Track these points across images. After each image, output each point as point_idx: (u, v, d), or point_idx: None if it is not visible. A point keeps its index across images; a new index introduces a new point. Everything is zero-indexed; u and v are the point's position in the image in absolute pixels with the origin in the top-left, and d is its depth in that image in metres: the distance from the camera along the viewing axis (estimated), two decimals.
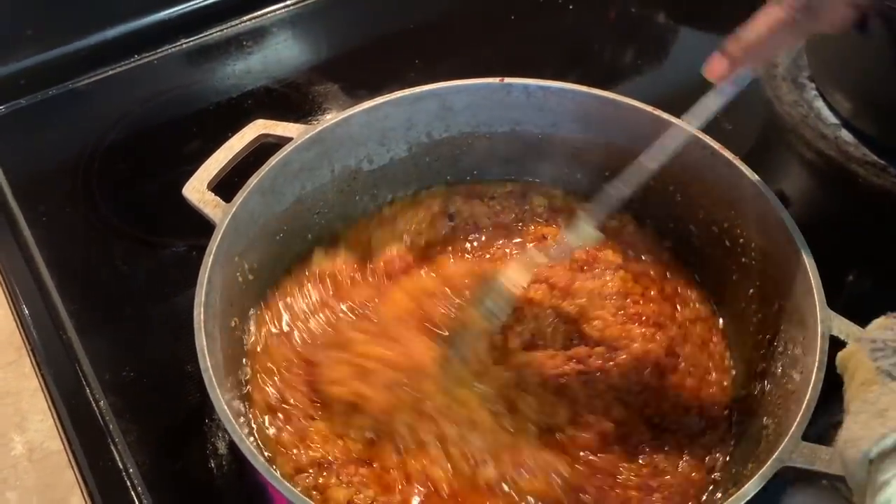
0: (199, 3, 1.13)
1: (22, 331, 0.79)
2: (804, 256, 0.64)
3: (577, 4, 1.16)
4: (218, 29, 1.12)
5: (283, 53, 1.11)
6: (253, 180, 0.71)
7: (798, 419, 0.55)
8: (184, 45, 1.10)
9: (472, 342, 0.68)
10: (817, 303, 0.61)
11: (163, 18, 1.12)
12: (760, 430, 0.63)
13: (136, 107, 1.03)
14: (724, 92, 0.62)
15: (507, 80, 0.78)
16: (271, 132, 0.76)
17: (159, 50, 1.09)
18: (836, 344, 0.59)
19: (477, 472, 0.63)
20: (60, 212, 0.91)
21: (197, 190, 0.72)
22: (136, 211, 0.92)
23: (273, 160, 0.72)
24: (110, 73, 1.07)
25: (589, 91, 0.77)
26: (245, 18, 1.14)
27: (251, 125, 0.77)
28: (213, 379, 0.59)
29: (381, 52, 1.11)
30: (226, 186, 0.73)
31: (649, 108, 0.75)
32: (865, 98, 0.94)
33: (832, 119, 0.97)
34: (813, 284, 0.62)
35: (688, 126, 0.65)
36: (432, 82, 0.79)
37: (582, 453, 0.65)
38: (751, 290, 0.71)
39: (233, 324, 0.69)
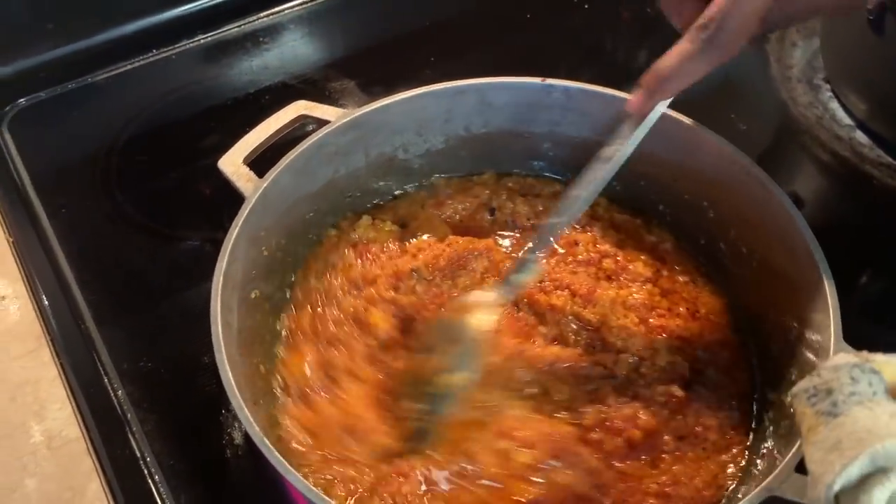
0: None
1: (41, 320, 0.80)
2: (826, 285, 0.62)
3: (592, 4, 1.16)
4: (235, 25, 1.13)
5: (299, 50, 1.12)
6: (286, 158, 0.72)
7: (794, 450, 0.55)
8: (201, 41, 1.11)
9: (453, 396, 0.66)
10: (832, 335, 0.60)
11: (181, 14, 1.13)
12: (766, 456, 0.63)
13: (155, 101, 1.04)
14: (645, 123, 0.64)
15: (549, 80, 0.78)
16: (310, 113, 0.77)
17: (177, 45, 1.10)
18: None
19: (512, 455, 0.64)
20: (79, 204, 0.92)
21: (232, 163, 0.73)
22: (155, 204, 0.93)
23: (308, 141, 0.74)
24: (129, 67, 1.08)
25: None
26: (262, 15, 1.15)
27: (292, 105, 0.78)
28: (223, 345, 0.60)
29: (396, 49, 1.11)
30: (260, 165, 0.74)
31: (688, 121, 0.74)
32: (880, 100, 0.94)
33: (847, 121, 0.97)
34: (831, 315, 0.61)
35: (616, 155, 0.65)
36: (447, 80, 0.79)
37: (613, 461, 0.65)
38: (773, 314, 0.70)
39: (253, 296, 0.70)
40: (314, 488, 0.54)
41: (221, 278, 0.64)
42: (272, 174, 0.71)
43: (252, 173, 0.73)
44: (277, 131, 0.77)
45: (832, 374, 0.47)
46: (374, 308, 0.73)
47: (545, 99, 0.79)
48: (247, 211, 0.68)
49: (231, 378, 0.58)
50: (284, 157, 0.72)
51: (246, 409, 0.56)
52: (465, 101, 0.80)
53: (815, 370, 0.48)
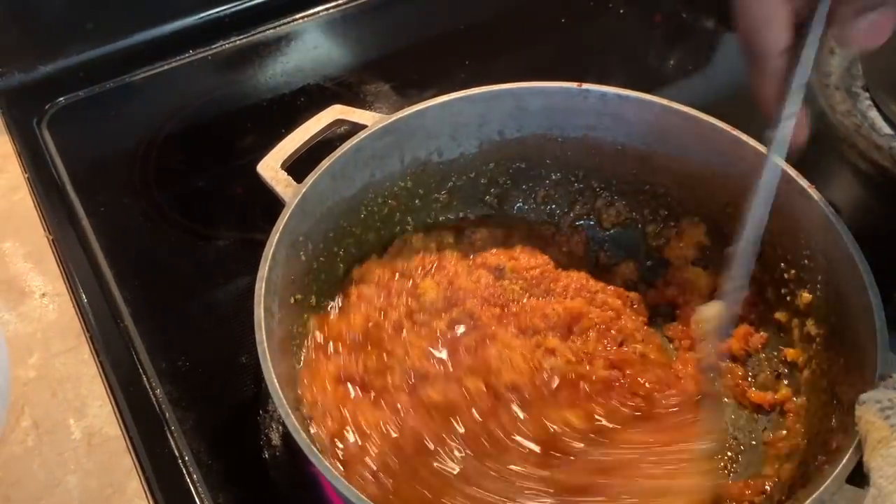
0: (253, 1, 1.15)
1: (80, 318, 0.81)
2: (871, 295, 0.61)
3: (627, 8, 1.16)
4: (270, 27, 1.14)
5: (335, 52, 1.13)
6: (325, 164, 0.72)
7: (844, 461, 0.54)
8: (237, 42, 1.12)
9: None
10: (878, 345, 0.58)
11: (217, 15, 1.14)
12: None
13: (191, 101, 1.05)
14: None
15: (585, 85, 0.78)
16: (347, 118, 0.78)
17: (213, 46, 1.11)
18: None
19: None
20: (118, 202, 0.93)
21: (271, 168, 0.74)
22: (191, 203, 0.93)
23: (346, 146, 0.74)
24: (166, 67, 1.09)
25: (668, 104, 0.76)
26: (297, 17, 1.15)
27: (328, 110, 0.79)
28: (267, 352, 0.60)
29: (431, 52, 1.12)
30: (295, 168, 0.75)
31: (728, 128, 0.73)
32: None
33: (886, 129, 0.96)
34: (877, 325, 0.59)
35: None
36: (482, 82, 0.79)
37: None
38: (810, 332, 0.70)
39: (292, 300, 0.70)
40: (358, 493, 0.54)
41: (264, 284, 0.64)
42: (310, 179, 0.71)
43: (290, 178, 0.73)
44: (314, 136, 0.78)
45: None
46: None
47: (581, 104, 0.79)
48: (287, 216, 0.69)
49: (278, 388, 0.58)
50: (322, 162, 0.73)
51: (293, 418, 0.56)
52: (501, 105, 0.80)
53: (887, 381, 0.47)
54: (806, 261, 0.71)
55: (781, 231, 0.73)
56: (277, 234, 0.67)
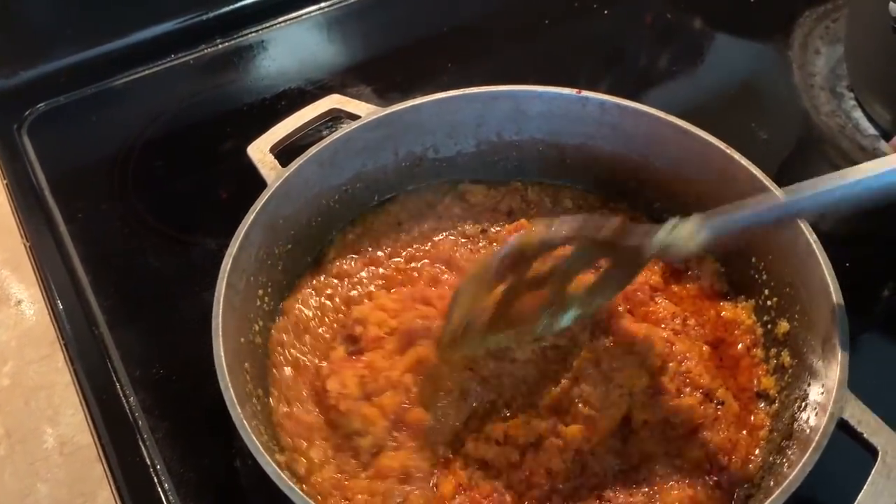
0: (236, 4, 1.14)
1: (56, 325, 0.81)
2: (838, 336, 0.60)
3: (612, 10, 1.15)
4: (253, 30, 1.13)
5: (317, 55, 1.12)
6: (312, 150, 0.73)
7: (776, 494, 0.53)
8: (220, 46, 1.12)
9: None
10: (837, 385, 0.57)
11: (200, 20, 1.13)
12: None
13: (172, 106, 1.04)
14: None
15: (584, 93, 0.78)
16: (343, 108, 0.79)
17: (196, 50, 1.11)
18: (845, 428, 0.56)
19: None
20: (96, 208, 0.92)
21: (260, 150, 0.75)
22: (171, 209, 0.93)
23: (336, 134, 0.75)
24: (147, 72, 1.08)
25: (664, 117, 0.75)
26: (279, 20, 1.15)
27: (326, 98, 0.79)
28: (220, 327, 0.61)
29: (413, 55, 1.11)
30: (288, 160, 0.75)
31: (722, 146, 0.72)
32: None
33: (871, 130, 0.95)
34: (840, 361, 0.58)
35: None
36: (465, 86, 0.79)
37: None
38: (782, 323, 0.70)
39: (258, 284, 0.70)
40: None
41: (230, 262, 0.64)
42: (296, 164, 0.72)
43: (276, 162, 0.74)
44: (308, 123, 0.78)
45: None
46: None
47: (579, 111, 0.79)
48: (265, 197, 0.69)
49: (225, 369, 0.61)
50: (311, 148, 0.74)
51: (232, 392, 0.59)
52: (499, 106, 0.80)
53: None
54: (788, 289, 0.69)
55: (770, 256, 0.71)
56: (253, 215, 0.68)
